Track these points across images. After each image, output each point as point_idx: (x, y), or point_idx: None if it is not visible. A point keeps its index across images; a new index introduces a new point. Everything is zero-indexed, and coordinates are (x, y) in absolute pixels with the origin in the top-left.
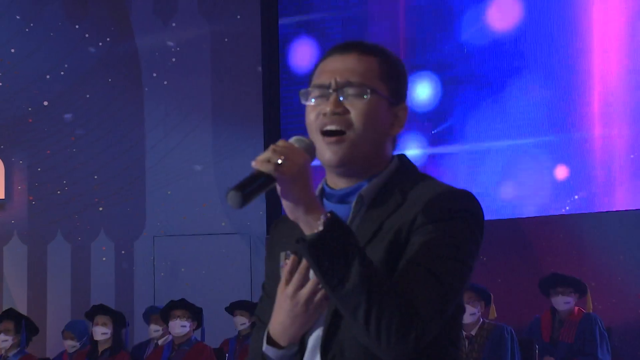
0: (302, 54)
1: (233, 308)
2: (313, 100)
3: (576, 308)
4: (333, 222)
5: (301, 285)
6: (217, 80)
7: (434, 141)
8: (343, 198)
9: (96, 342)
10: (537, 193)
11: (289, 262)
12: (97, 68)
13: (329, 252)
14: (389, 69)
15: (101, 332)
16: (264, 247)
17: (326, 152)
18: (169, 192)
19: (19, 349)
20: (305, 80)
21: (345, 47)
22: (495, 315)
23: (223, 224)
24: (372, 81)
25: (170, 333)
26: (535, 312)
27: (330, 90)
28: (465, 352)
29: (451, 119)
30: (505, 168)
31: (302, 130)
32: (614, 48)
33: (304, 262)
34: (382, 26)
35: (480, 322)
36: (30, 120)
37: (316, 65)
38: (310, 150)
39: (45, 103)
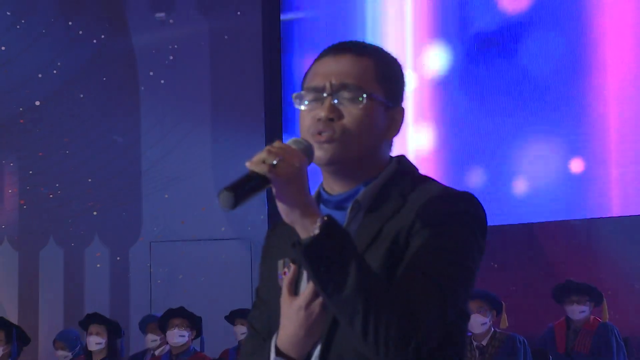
0: (305, 51)
1: (233, 317)
2: (307, 102)
3: (592, 317)
4: (330, 225)
5: (315, 294)
6: (216, 79)
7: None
8: (340, 204)
9: (90, 352)
10: (552, 197)
11: (289, 272)
12: (91, 66)
13: (325, 256)
14: (385, 70)
15: (95, 342)
16: None
17: (317, 151)
18: (166, 196)
19: (10, 359)
20: None
21: (339, 48)
22: (507, 324)
23: (223, 229)
24: (368, 84)
25: (168, 343)
26: (549, 321)
27: (325, 94)
28: None
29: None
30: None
31: None
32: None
33: None
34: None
35: (491, 332)
36: (22, 121)
37: (310, 66)
38: (308, 152)
39: (37, 103)
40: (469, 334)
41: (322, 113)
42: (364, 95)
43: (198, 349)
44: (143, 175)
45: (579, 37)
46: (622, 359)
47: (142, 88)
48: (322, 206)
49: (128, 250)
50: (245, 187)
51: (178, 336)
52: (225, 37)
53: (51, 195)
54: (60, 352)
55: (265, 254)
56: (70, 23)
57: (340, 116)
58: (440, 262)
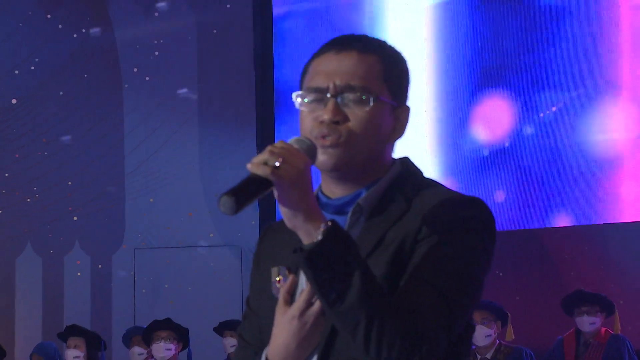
0: (299, 46)
1: (222, 328)
2: (307, 101)
3: (603, 329)
4: (334, 231)
5: (309, 303)
6: (204, 75)
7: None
8: (340, 208)
9: None
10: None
11: (287, 280)
12: (71, 62)
13: (328, 264)
14: (391, 67)
15: (73, 355)
16: None
17: (320, 155)
18: (151, 200)
19: None
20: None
21: (343, 44)
22: (513, 336)
23: (211, 235)
24: (374, 84)
25: (153, 356)
26: (558, 333)
27: (328, 95)
28: None
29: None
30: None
31: (297, 131)
32: None
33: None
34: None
35: (496, 345)
36: None
37: (309, 63)
38: (312, 153)
39: (14, 101)
40: (473, 346)
41: (325, 115)
42: (371, 98)
43: None
44: (126, 178)
45: None
46: None
47: (126, 85)
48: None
49: (110, 258)
50: (247, 191)
51: (164, 349)
52: (214, 31)
53: (28, 200)
54: None
55: (256, 261)
56: (48, 16)
57: (346, 119)
58: (447, 271)
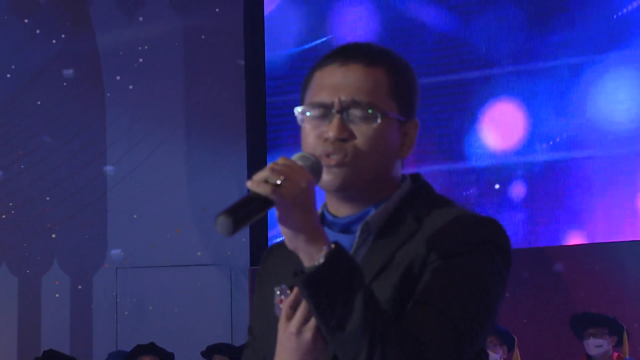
0: (292, 52)
1: (210, 352)
2: (310, 117)
3: (615, 354)
4: (336, 254)
5: (306, 319)
6: (191, 84)
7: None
8: (347, 227)
9: None
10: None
11: (291, 295)
12: (50, 69)
13: (329, 289)
14: (398, 81)
15: None
16: (247, 280)
17: (325, 175)
18: (135, 216)
19: None
20: (296, 85)
21: (348, 56)
22: None
23: (199, 253)
24: (381, 99)
25: None
26: (567, 357)
27: (333, 111)
28: None
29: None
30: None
31: (291, 142)
32: None
33: None
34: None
35: None
36: None
37: (310, 73)
38: (316, 170)
39: None
40: None
41: (330, 132)
42: (378, 115)
43: None
44: (109, 193)
45: None
46: None
47: (108, 94)
48: (326, 229)
49: (91, 278)
50: (246, 210)
51: None
52: (202, 36)
53: (4, 216)
54: None
55: (259, 284)
56: (26, 21)
57: (352, 136)
58: (457, 297)
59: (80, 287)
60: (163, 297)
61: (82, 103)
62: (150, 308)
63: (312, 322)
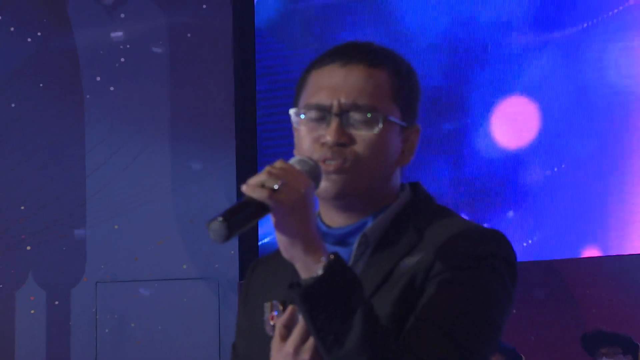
0: (285, 52)
1: None
2: (306, 119)
3: None
4: (336, 266)
5: (303, 339)
6: (177, 85)
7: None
8: (342, 238)
9: None
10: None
11: (285, 313)
12: (25, 70)
13: (327, 302)
14: (401, 84)
15: None
16: (236, 295)
17: (323, 181)
18: (116, 227)
19: None
20: (288, 85)
21: (350, 56)
22: None
23: (184, 266)
24: (383, 103)
25: None
26: None
27: (332, 114)
28: None
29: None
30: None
31: (284, 148)
32: None
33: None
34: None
35: None
36: None
37: (307, 73)
38: (316, 175)
39: None
40: None
41: (328, 137)
42: (380, 120)
43: None
44: (88, 202)
45: None
46: None
47: (87, 96)
48: None
49: (69, 293)
50: (241, 215)
51: None
52: (188, 35)
53: None
54: None
55: (244, 300)
56: None
57: (351, 141)
58: (461, 314)
59: (57, 302)
60: (146, 314)
61: (59, 106)
62: (132, 325)
63: (310, 342)
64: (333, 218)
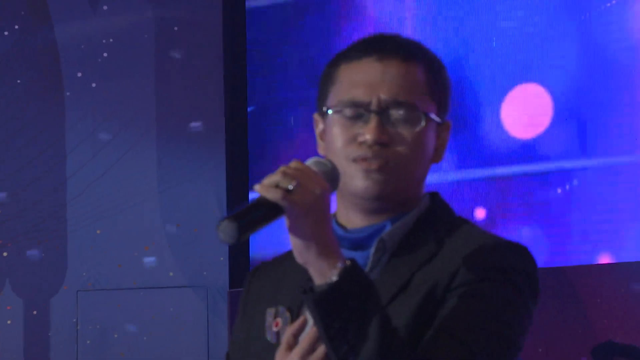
0: (277, 47)
1: None
2: (341, 116)
3: None
4: (352, 272)
5: (312, 348)
6: (163, 82)
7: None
8: (359, 242)
9: None
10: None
11: (296, 322)
12: (1, 66)
13: (342, 310)
14: (435, 78)
15: None
16: (226, 304)
17: (362, 180)
18: (98, 232)
19: None
20: (281, 84)
21: (385, 50)
22: None
23: (171, 274)
24: (422, 98)
25: None
26: None
27: (371, 111)
28: None
29: None
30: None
31: (276, 147)
32: None
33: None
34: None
35: None
36: None
37: (334, 66)
38: (332, 177)
39: None
40: None
41: (368, 135)
42: (422, 117)
43: None
44: (69, 205)
45: None
46: None
47: (68, 93)
48: None
49: (48, 302)
50: (253, 216)
51: None
52: (175, 28)
53: None
54: None
55: (242, 308)
56: None
57: (392, 140)
58: (480, 330)
59: (35, 312)
60: (130, 324)
61: (38, 104)
62: (116, 336)
63: (319, 352)
64: (350, 218)
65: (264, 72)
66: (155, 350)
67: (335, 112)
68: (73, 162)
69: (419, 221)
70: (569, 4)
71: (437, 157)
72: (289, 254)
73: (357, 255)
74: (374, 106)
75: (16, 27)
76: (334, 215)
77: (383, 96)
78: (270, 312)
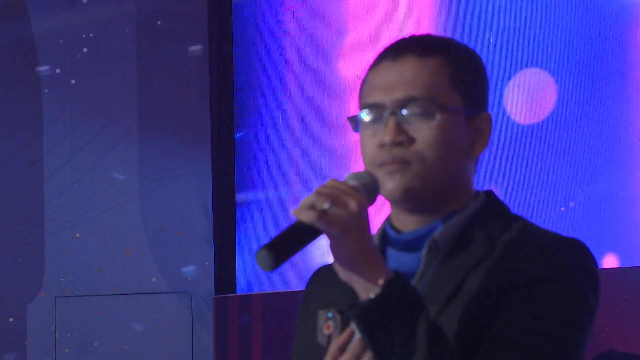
0: (265, 42)
1: None
2: (366, 122)
3: None
4: (395, 285)
5: (360, 355)
6: (146, 78)
7: None
8: (411, 244)
9: None
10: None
11: (343, 334)
12: None
13: (387, 323)
14: (460, 69)
15: None
16: (210, 311)
17: (387, 184)
18: (77, 235)
19: None
20: (268, 81)
21: (400, 49)
22: None
23: (154, 279)
24: (441, 92)
25: None
26: None
27: (386, 112)
28: None
29: None
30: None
31: (268, 145)
32: None
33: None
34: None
35: None
36: None
37: (366, 75)
38: (371, 190)
39: None
40: None
41: (386, 137)
42: (437, 109)
43: None
44: (46, 208)
45: None
46: None
47: (46, 90)
48: (388, 248)
49: (24, 309)
50: (289, 241)
51: None
52: (159, 22)
53: None
54: None
55: (305, 302)
56: None
57: (410, 139)
58: (541, 335)
59: (11, 319)
60: (111, 332)
61: (14, 101)
62: (96, 344)
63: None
64: (402, 221)
65: (250, 69)
66: (137, 359)
67: (358, 120)
68: (50, 163)
69: (472, 220)
70: None
71: (475, 150)
72: None
73: (410, 257)
74: (388, 107)
75: None
76: (389, 220)
77: (397, 95)
78: (322, 313)
